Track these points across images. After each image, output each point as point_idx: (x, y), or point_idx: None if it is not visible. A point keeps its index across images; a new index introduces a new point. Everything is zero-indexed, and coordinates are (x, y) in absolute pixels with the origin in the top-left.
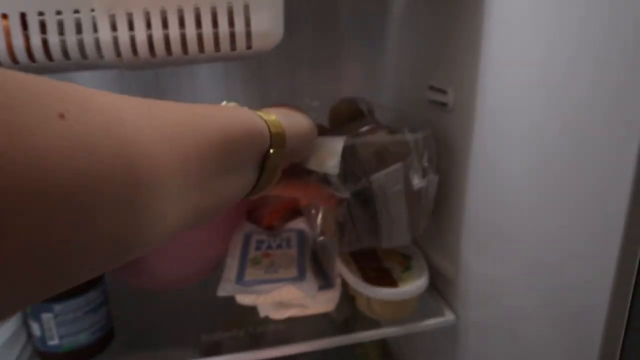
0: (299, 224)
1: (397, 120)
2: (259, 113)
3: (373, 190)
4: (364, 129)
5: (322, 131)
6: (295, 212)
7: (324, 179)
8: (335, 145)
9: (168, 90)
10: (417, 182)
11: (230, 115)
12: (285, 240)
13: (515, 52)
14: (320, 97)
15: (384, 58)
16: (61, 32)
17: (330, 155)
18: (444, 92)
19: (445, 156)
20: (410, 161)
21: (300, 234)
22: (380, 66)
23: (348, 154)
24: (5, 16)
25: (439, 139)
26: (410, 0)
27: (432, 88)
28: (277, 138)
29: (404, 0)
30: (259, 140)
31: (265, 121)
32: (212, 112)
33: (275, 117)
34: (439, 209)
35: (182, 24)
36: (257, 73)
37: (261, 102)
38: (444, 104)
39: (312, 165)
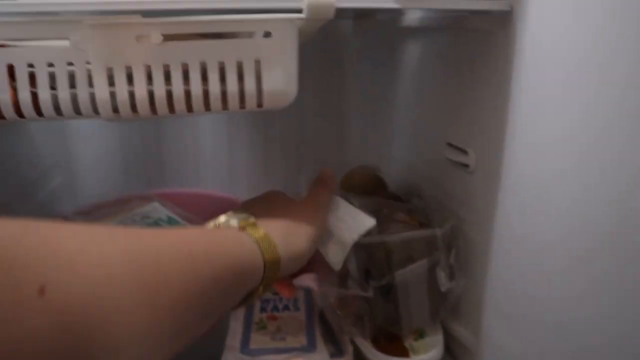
0: (307, 280)
1: (412, 182)
2: (255, 234)
3: (397, 285)
4: (393, 216)
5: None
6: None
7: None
8: (347, 237)
9: (168, 137)
10: (444, 282)
11: (221, 254)
12: (292, 301)
13: (548, 118)
14: (326, 145)
15: (396, 112)
16: (53, 86)
17: (339, 247)
18: (464, 152)
19: (466, 219)
20: (437, 257)
21: (308, 294)
22: (393, 121)
23: (374, 249)
24: None
25: (459, 201)
26: (425, 57)
27: (450, 145)
28: (271, 268)
29: (417, 56)
30: (251, 277)
31: (260, 248)
32: (203, 251)
33: (272, 238)
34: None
35: (186, 79)
36: (261, 121)
37: (264, 150)
38: (464, 165)
39: (320, 249)
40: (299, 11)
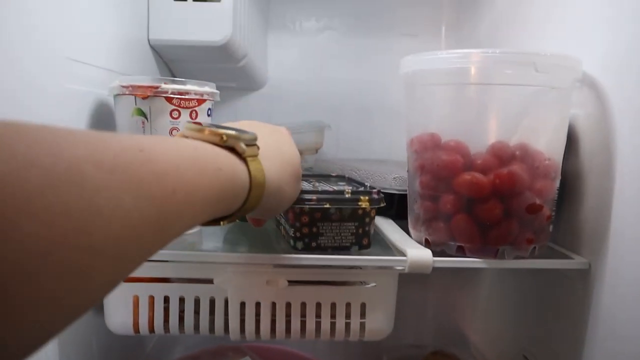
0: None
1: None
2: (248, 155)
3: None
4: None
5: None
6: None
7: None
8: None
9: None
10: None
11: (216, 176)
12: None
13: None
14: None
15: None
16: (197, 310)
17: None
18: None
19: None
20: None
21: None
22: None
23: None
24: (152, 297)
25: None
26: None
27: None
28: (252, 201)
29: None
30: (231, 204)
31: (250, 182)
32: (202, 167)
33: (263, 167)
34: None
35: (303, 314)
36: None
37: None
38: None
39: None
40: (403, 266)
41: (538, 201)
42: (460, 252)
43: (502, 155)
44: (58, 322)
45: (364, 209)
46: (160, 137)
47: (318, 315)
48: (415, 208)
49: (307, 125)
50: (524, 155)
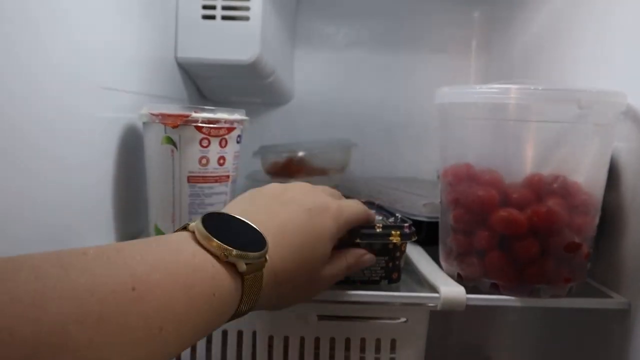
0: None
1: None
2: (247, 273)
3: None
4: None
5: None
6: None
7: None
8: None
9: None
10: None
11: (209, 302)
12: None
13: None
14: None
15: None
16: (224, 343)
17: None
18: None
19: None
20: None
21: None
22: None
23: None
24: None
25: None
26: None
27: None
28: (245, 307)
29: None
30: (224, 316)
31: (244, 292)
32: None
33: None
34: None
35: (332, 348)
36: None
37: None
38: None
39: None
40: (435, 303)
41: (577, 239)
42: (494, 289)
43: (539, 190)
44: None
45: (394, 243)
46: (162, 254)
47: (347, 349)
48: (447, 241)
49: (334, 144)
50: (562, 189)
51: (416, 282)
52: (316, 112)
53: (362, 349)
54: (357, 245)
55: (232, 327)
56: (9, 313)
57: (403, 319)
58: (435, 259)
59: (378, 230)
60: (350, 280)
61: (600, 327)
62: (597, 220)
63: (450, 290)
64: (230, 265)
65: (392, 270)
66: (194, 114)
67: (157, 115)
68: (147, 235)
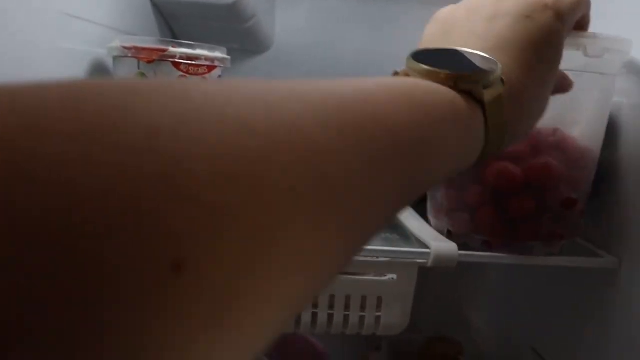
0: None
1: None
2: (488, 99)
3: None
4: None
5: None
6: None
7: None
8: None
9: None
10: None
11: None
12: None
13: None
14: None
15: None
16: None
17: None
18: None
19: None
20: None
21: None
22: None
23: None
24: None
25: None
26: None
27: (534, 351)
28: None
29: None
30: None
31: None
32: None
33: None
34: None
35: (315, 305)
36: None
37: None
38: None
39: None
40: (425, 259)
41: (574, 195)
42: (486, 246)
43: (536, 143)
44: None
45: None
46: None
47: (331, 308)
48: (437, 195)
49: None
50: (560, 142)
51: (404, 238)
52: (299, 63)
53: (347, 307)
54: None
55: None
56: (237, 111)
57: (392, 276)
58: (423, 216)
59: None
60: None
61: (589, 283)
62: (593, 176)
63: (441, 246)
64: (466, 95)
65: None
66: (172, 49)
67: (129, 49)
68: None
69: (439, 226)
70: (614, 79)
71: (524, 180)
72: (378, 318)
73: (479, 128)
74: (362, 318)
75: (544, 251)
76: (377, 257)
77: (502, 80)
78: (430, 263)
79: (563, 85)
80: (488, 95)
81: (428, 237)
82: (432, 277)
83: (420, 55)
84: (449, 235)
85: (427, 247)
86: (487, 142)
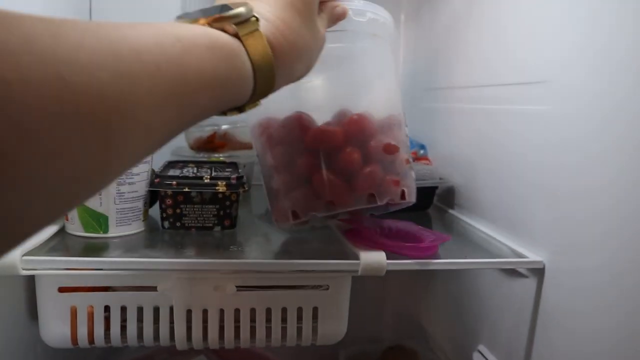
0: None
1: None
2: (243, 34)
3: None
4: None
5: None
6: None
7: None
8: None
9: None
10: None
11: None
12: None
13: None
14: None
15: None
16: (140, 319)
17: None
18: None
19: None
20: None
21: None
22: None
23: None
24: (91, 307)
25: None
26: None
27: (480, 353)
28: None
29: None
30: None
31: (247, 51)
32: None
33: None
34: None
35: (253, 320)
36: None
37: None
38: None
39: None
40: (355, 269)
41: (392, 142)
42: (331, 206)
43: (343, 114)
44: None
45: (223, 193)
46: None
47: (268, 321)
48: (273, 185)
49: None
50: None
51: (339, 251)
52: None
53: (284, 319)
54: (188, 194)
55: (148, 302)
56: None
57: (326, 286)
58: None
59: (206, 180)
60: (186, 226)
61: (520, 284)
62: (406, 130)
63: (369, 256)
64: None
65: (224, 217)
66: None
67: None
68: None
69: (283, 214)
70: (386, 40)
71: (343, 135)
72: (315, 328)
73: (243, 60)
74: (299, 330)
75: (386, 198)
76: (311, 270)
77: (255, 17)
78: (360, 272)
79: (337, 14)
80: (242, 30)
81: (359, 250)
82: (391, 288)
83: (211, 9)
84: (295, 217)
85: (357, 259)
86: (258, 77)
